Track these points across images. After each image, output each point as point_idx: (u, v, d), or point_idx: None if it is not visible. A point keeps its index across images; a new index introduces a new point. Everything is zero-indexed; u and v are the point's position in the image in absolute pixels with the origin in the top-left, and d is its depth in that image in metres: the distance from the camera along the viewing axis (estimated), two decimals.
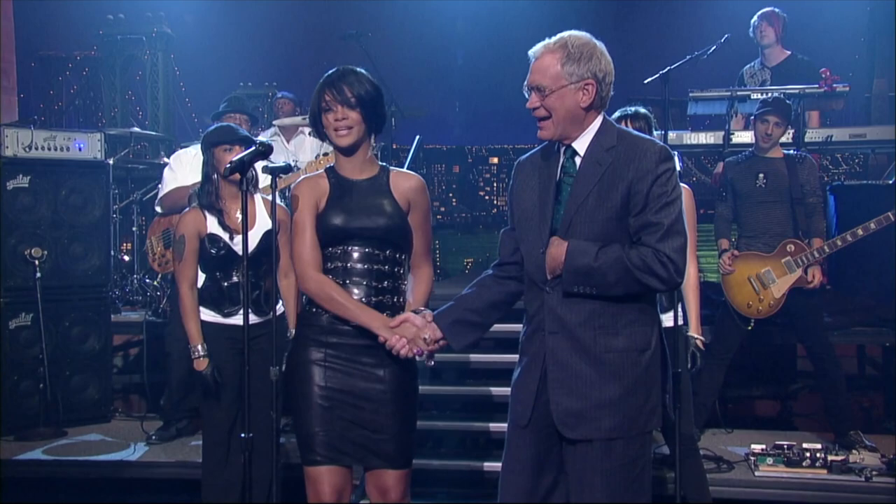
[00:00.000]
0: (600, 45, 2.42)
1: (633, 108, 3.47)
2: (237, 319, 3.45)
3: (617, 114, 3.43)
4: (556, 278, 2.37)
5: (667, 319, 3.40)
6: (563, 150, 2.45)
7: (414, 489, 2.77)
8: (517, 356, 2.55)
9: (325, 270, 2.64)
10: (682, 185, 3.46)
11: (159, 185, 4.95)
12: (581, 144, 2.42)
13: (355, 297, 2.60)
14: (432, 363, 2.63)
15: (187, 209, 3.63)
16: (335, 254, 2.63)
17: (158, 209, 4.97)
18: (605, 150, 2.39)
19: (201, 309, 3.53)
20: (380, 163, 2.73)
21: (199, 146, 4.89)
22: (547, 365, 2.40)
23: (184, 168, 4.75)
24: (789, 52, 5.85)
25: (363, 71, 2.64)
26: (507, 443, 2.55)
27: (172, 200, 4.72)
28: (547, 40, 2.42)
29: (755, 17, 5.81)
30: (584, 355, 2.36)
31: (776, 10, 5.76)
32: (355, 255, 2.61)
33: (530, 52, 2.44)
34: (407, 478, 2.67)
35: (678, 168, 3.18)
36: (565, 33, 2.41)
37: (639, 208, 2.35)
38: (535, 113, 2.41)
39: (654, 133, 3.52)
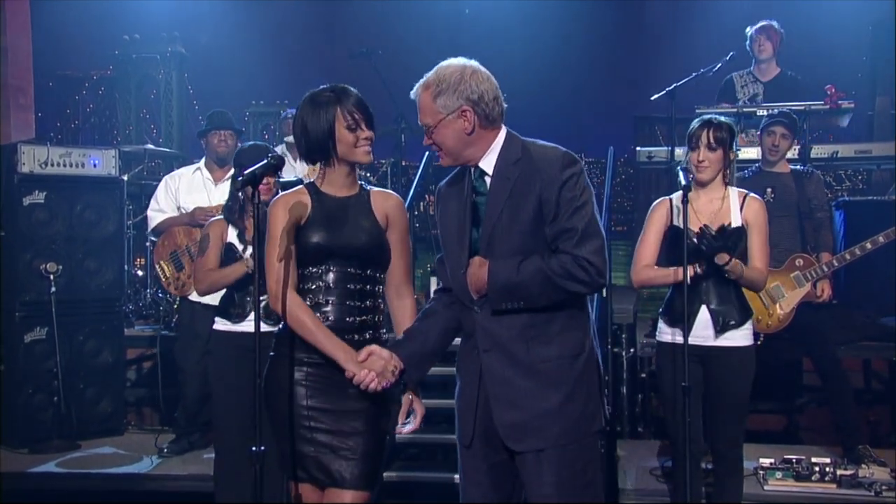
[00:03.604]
0: (472, 65, 2.40)
1: (716, 118, 3.41)
2: (246, 326, 3.46)
3: (697, 123, 3.40)
4: (483, 297, 2.39)
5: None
6: (472, 170, 2.47)
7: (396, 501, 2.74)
8: None
9: (305, 290, 2.59)
10: (754, 195, 3.45)
11: (148, 210, 5.05)
12: (488, 163, 2.44)
13: (336, 317, 2.57)
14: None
15: (214, 218, 3.68)
16: (315, 273, 2.59)
17: (153, 237, 5.05)
18: (512, 163, 2.41)
19: (215, 318, 3.60)
20: (359, 182, 2.73)
21: (191, 167, 5.03)
22: (484, 382, 2.41)
23: (170, 196, 4.88)
24: (780, 69, 5.80)
25: None
26: (460, 464, 2.54)
27: (163, 228, 4.90)
28: (423, 79, 2.43)
29: (752, 30, 5.74)
30: (519, 368, 2.38)
31: (774, 24, 5.70)
32: (335, 274, 2.58)
33: (411, 95, 2.47)
34: (367, 500, 2.62)
35: (682, 181, 3.25)
36: (438, 66, 2.42)
37: (552, 216, 2.36)
38: (432, 148, 2.46)
39: (734, 147, 3.42)
